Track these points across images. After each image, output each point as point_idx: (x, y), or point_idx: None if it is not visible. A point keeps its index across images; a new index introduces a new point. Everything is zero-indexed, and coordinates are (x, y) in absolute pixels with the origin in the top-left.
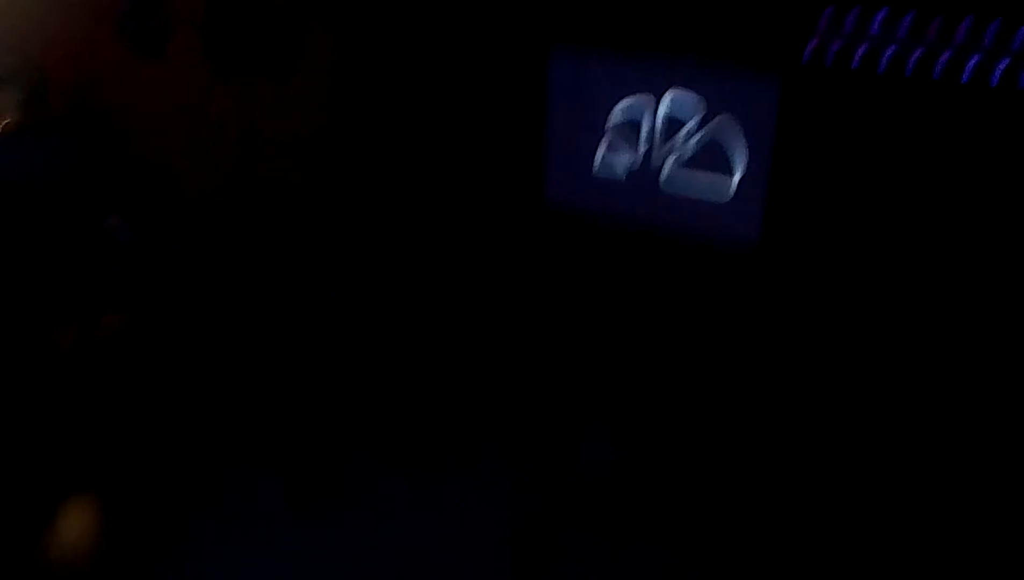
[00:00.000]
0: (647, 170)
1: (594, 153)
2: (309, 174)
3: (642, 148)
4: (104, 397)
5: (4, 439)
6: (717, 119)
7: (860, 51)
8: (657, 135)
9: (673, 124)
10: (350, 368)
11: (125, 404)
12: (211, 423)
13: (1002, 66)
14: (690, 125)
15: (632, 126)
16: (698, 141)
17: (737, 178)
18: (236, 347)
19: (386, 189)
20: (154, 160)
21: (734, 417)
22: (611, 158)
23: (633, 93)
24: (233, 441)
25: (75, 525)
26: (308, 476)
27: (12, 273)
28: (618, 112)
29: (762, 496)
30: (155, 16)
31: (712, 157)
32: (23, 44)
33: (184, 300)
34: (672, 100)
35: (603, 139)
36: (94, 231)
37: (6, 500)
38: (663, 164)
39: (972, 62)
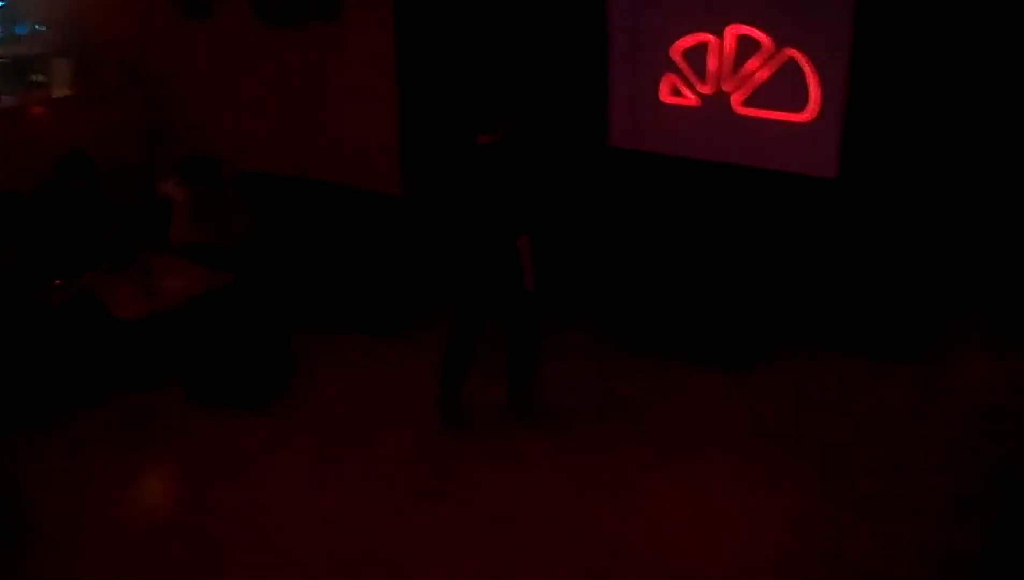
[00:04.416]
0: (715, 104)
1: (657, 89)
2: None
3: (707, 82)
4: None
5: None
6: (787, 51)
7: None
8: (723, 68)
9: (740, 58)
10: None
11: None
12: None
13: None
14: (759, 59)
15: (696, 60)
16: (768, 74)
17: (811, 110)
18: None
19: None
20: (208, 122)
21: None
22: (675, 93)
23: (697, 28)
24: None
25: None
26: None
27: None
28: (681, 47)
29: None
30: None
31: (784, 90)
32: (74, 18)
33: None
34: (739, 34)
35: (666, 75)
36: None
37: None
38: (730, 98)
39: None
